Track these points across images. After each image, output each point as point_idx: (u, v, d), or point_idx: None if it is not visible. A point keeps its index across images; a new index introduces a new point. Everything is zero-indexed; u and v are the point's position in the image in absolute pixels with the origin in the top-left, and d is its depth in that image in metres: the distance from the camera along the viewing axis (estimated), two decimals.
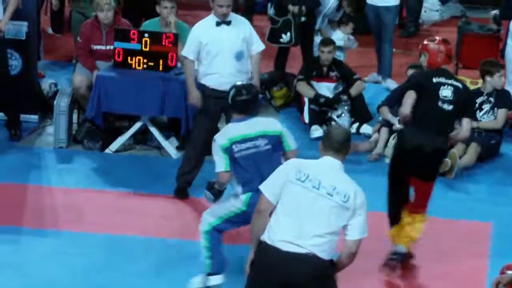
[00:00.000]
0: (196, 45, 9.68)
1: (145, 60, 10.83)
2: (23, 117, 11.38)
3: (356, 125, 11.79)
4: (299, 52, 13.11)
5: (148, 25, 11.44)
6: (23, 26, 11.42)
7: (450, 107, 8.47)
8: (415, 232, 8.56)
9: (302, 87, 11.93)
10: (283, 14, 12.50)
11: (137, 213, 9.68)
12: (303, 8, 12.52)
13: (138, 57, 10.83)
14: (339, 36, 12.97)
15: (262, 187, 6.63)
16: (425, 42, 8.77)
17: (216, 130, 8.61)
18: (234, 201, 8.08)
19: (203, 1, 15.68)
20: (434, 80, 8.50)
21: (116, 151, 10.99)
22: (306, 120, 11.86)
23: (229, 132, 8.17)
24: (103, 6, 11.08)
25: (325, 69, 11.94)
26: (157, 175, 10.54)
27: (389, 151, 10.64)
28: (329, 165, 6.60)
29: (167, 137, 11.05)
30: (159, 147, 11.03)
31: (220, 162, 8.06)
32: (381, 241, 8.59)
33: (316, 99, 11.75)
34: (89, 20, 11.38)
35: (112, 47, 10.97)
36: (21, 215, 9.42)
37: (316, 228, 6.44)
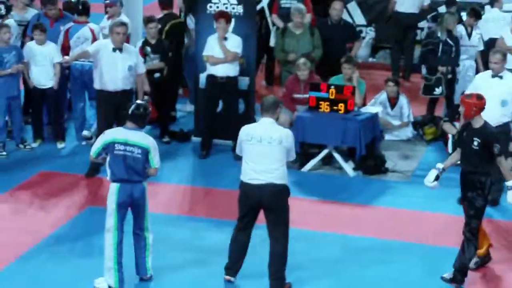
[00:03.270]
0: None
1: (331, 105, 10.93)
2: None
3: None
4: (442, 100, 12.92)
5: (334, 80, 11.54)
6: (246, 80, 11.72)
7: None
8: None
9: (447, 126, 11.77)
10: (433, 73, 12.44)
11: (325, 215, 9.69)
12: (449, 68, 12.44)
13: (326, 103, 10.94)
14: None
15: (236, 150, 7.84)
16: (463, 96, 8.19)
17: None
18: None
19: (376, 63, 15.84)
20: None
21: (309, 170, 11.09)
22: (450, 151, 11.71)
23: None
24: (301, 67, 11.34)
25: None
26: (339, 188, 10.54)
27: None
28: (265, 124, 7.66)
29: (346, 160, 11.07)
30: (340, 168, 11.05)
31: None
32: None
33: None
34: (291, 77, 11.63)
35: (307, 95, 11.15)
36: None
37: (268, 165, 7.57)
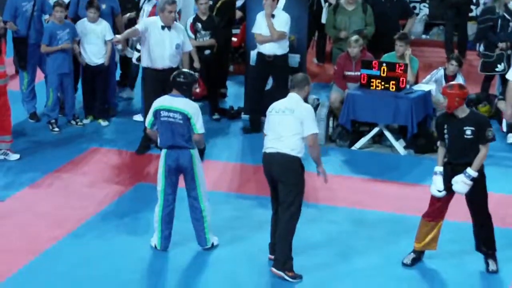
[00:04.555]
0: None
1: (382, 83, 10.86)
2: None
3: None
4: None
5: (386, 57, 11.46)
6: (296, 57, 11.68)
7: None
8: None
9: (501, 104, 11.62)
10: (492, 50, 12.21)
11: (375, 193, 9.66)
12: (508, 44, 12.21)
13: (377, 80, 10.87)
14: None
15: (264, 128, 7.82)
16: (444, 87, 7.79)
17: None
18: None
19: (429, 40, 15.68)
20: None
21: (360, 148, 11.03)
22: (504, 129, 11.56)
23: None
24: (352, 44, 11.24)
25: None
26: (389, 166, 10.48)
27: None
28: (289, 97, 7.70)
29: (397, 139, 10.99)
30: (391, 146, 10.98)
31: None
32: None
33: None
34: (343, 54, 11.54)
35: (359, 73, 11.06)
36: None
37: (279, 134, 7.54)
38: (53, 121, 11.36)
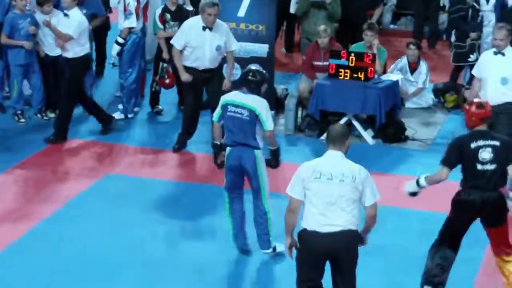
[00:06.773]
0: None
1: (351, 73, 10.82)
2: None
3: None
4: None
5: (354, 47, 11.46)
6: (265, 47, 11.58)
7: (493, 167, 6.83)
8: None
9: (467, 94, 11.66)
10: (463, 40, 12.20)
11: None
12: (479, 33, 12.21)
13: (346, 70, 10.84)
14: None
15: (288, 190, 6.32)
16: (465, 103, 7.34)
17: None
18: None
19: (397, 30, 15.68)
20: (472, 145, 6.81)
21: None
22: None
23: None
24: (321, 34, 11.20)
25: None
26: (358, 156, 9.97)
27: None
28: (333, 158, 6.27)
29: (365, 128, 10.98)
30: (359, 136, 10.95)
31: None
32: None
33: None
34: (312, 44, 11.52)
35: (327, 63, 11.02)
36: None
37: (340, 208, 6.19)
38: (19, 112, 11.18)
